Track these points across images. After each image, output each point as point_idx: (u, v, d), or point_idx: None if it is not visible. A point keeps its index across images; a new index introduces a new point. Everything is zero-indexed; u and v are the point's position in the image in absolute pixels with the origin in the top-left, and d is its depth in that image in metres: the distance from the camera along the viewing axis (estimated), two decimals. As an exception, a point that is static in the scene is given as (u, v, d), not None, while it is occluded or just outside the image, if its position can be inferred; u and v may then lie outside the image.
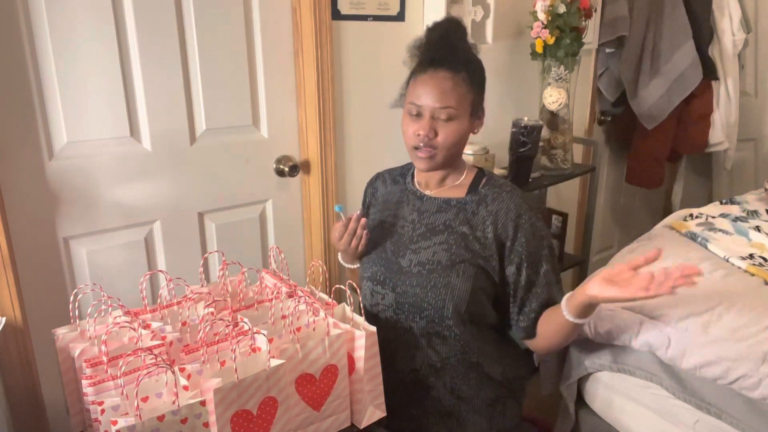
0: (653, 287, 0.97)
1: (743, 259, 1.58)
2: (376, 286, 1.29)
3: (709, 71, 2.62)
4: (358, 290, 1.21)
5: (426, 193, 1.31)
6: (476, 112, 1.24)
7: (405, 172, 1.40)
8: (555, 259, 1.26)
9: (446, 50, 1.21)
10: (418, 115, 1.20)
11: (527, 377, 1.37)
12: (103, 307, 1.07)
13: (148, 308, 1.13)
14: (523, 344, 1.32)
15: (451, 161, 1.25)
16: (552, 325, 1.20)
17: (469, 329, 1.23)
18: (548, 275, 1.23)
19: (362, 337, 1.04)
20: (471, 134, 1.26)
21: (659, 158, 2.75)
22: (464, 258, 1.20)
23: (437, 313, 1.21)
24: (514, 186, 1.29)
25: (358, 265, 1.38)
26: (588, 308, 1.11)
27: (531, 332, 1.25)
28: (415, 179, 1.35)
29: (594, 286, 1.05)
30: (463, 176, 1.29)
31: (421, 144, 1.19)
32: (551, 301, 1.23)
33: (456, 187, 1.29)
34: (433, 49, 1.22)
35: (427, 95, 1.18)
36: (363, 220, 1.28)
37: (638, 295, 0.99)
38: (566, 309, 1.13)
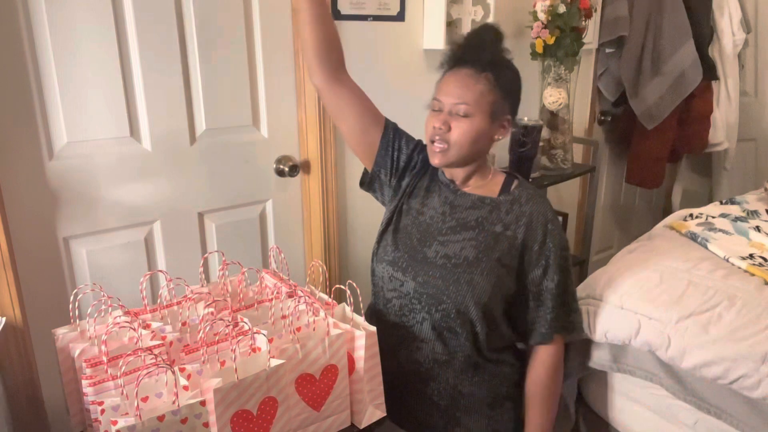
0: None
1: (743, 259, 1.58)
2: (397, 272, 1.27)
3: (709, 71, 2.62)
4: (358, 290, 1.20)
5: (460, 188, 1.30)
6: (498, 116, 1.22)
7: None
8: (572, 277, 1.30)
9: (473, 50, 1.22)
10: (439, 110, 1.21)
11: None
12: (103, 307, 1.07)
13: (148, 308, 1.13)
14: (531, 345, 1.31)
15: (466, 161, 1.24)
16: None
17: (480, 329, 1.23)
18: (569, 294, 1.27)
19: (362, 337, 1.04)
20: (493, 140, 1.25)
21: (659, 158, 2.75)
22: (491, 257, 1.21)
23: (455, 307, 1.20)
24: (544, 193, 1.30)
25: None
26: None
27: (549, 337, 1.26)
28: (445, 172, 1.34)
29: None
30: (489, 178, 1.29)
31: (436, 137, 1.20)
32: (570, 324, 1.27)
33: (486, 187, 1.29)
34: (461, 50, 1.24)
35: (447, 91, 1.20)
36: None
37: None
38: None
